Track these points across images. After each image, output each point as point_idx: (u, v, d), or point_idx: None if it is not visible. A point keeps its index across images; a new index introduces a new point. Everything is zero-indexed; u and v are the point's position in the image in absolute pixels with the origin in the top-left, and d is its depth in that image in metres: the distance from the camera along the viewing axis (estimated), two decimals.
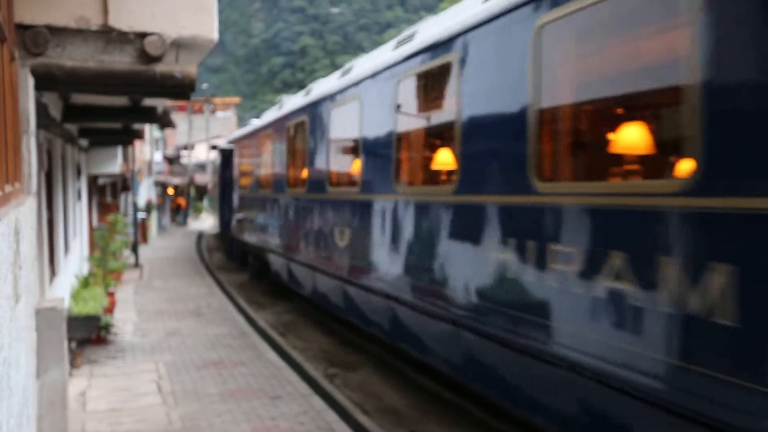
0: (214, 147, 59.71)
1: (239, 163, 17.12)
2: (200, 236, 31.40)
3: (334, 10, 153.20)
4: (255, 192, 14.51)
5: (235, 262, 19.17)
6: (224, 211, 20.84)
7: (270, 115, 13.91)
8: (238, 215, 16.95)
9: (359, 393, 7.55)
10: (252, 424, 5.97)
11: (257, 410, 6.36)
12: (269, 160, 13.14)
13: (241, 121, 79.78)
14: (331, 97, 9.27)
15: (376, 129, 7.50)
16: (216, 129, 64.19)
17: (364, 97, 7.87)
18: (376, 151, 7.46)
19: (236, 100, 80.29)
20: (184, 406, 6.47)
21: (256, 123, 15.74)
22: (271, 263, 13.33)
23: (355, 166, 8.28)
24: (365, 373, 8.42)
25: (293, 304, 13.50)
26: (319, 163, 9.80)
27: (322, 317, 11.70)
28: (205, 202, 57.65)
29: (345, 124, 8.74)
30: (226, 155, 20.07)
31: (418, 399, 7.33)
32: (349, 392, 7.50)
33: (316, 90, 10.44)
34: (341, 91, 8.83)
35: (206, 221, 45.57)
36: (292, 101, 12.07)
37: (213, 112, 65.91)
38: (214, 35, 4.95)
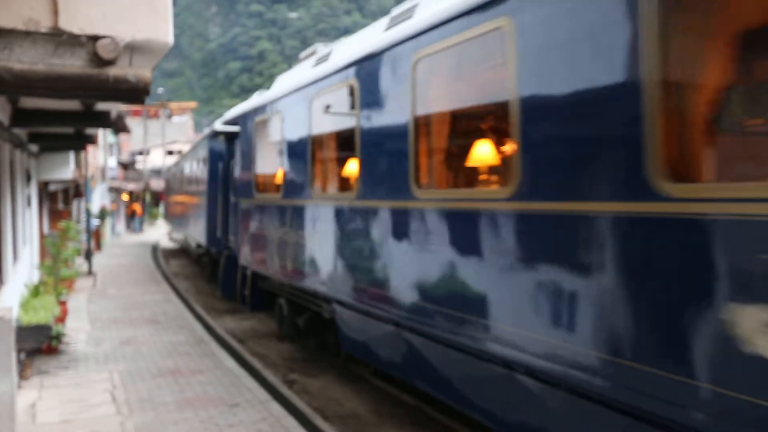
0: (170, 152, 58.88)
1: (254, 151, 10.35)
2: (155, 249, 27.64)
3: (292, 14, 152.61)
4: (298, 196, 8.28)
5: (231, 298, 13.17)
6: (212, 221, 14.53)
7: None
8: (256, 231, 10.08)
9: (319, 399, 7.52)
10: None
11: (215, 418, 6.28)
12: (345, 144, 7.24)
13: (198, 126, 78.78)
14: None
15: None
16: (172, 134, 63.25)
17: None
18: None
19: (193, 104, 79.34)
20: (139, 416, 6.34)
21: (294, 75, 9.34)
22: (342, 324, 7.42)
23: None
24: (326, 379, 8.38)
25: (251, 313, 13.36)
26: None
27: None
28: (161, 209, 56.69)
29: None
30: (224, 141, 13.24)
31: (378, 403, 7.33)
32: (308, 398, 7.46)
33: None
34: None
35: (163, 228, 44.78)
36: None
37: (169, 117, 64.96)
38: (170, 38, 4.88)
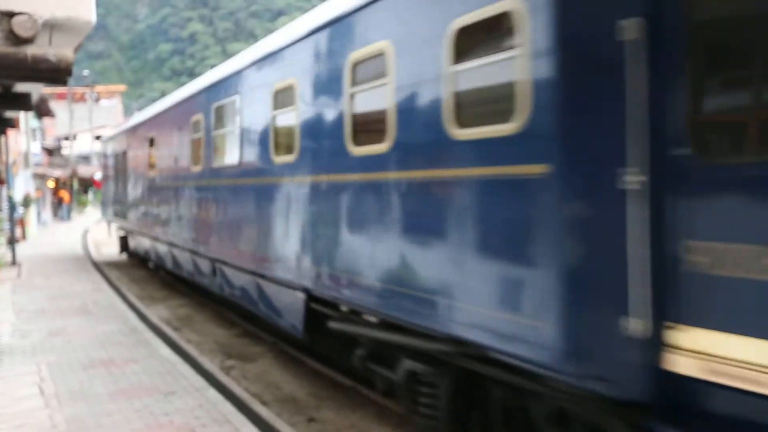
0: (98, 137, 56.76)
1: None
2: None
3: None
4: None
5: None
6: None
7: None
8: None
9: (257, 384, 7.47)
10: (144, 422, 5.77)
11: (150, 407, 6.16)
12: None
13: (128, 110, 76.30)
14: None
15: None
16: (100, 118, 60.98)
17: None
18: None
19: (121, 87, 76.71)
20: (69, 408, 6.15)
21: None
22: None
23: None
24: (263, 363, 8.34)
25: (188, 298, 13.12)
26: None
27: (219, 310, 11.45)
28: (90, 196, 54.84)
29: None
30: None
31: (316, 386, 7.35)
32: (246, 384, 7.40)
33: None
34: None
35: (92, 216, 43.34)
36: None
37: (96, 100, 62.60)
38: (92, 17, 4.71)
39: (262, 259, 7.83)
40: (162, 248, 13.80)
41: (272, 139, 7.56)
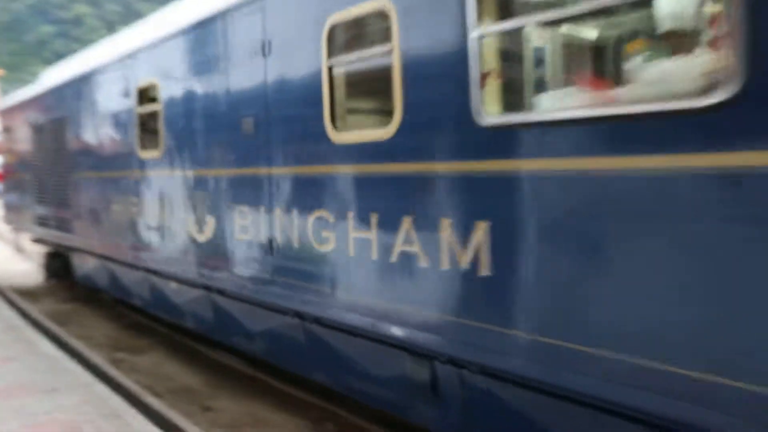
0: None
1: None
2: None
3: None
4: None
5: None
6: None
7: None
8: None
9: (149, 376, 7.19)
10: (21, 422, 5.39)
11: (29, 407, 5.77)
12: None
13: (6, 95, 71.26)
14: None
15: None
16: None
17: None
18: None
19: None
20: None
21: None
22: None
23: None
24: (155, 355, 8.04)
25: (74, 292, 12.44)
26: None
27: (107, 303, 10.90)
28: None
29: None
30: None
31: (212, 376, 7.17)
32: (137, 376, 7.10)
33: None
34: None
35: None
36: None
37: None
38: None
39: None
40: (183, 294, 7.28)
41: None
